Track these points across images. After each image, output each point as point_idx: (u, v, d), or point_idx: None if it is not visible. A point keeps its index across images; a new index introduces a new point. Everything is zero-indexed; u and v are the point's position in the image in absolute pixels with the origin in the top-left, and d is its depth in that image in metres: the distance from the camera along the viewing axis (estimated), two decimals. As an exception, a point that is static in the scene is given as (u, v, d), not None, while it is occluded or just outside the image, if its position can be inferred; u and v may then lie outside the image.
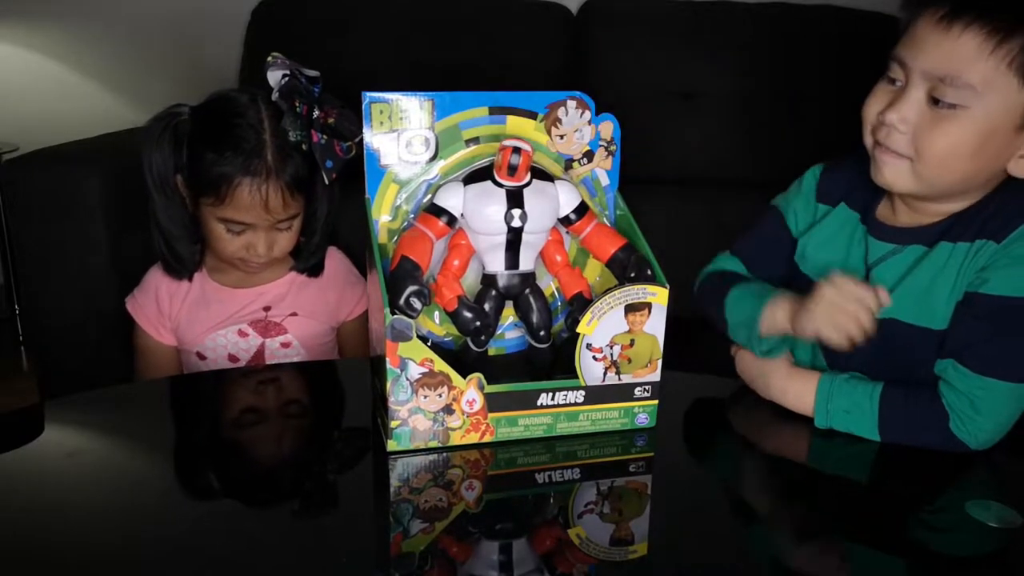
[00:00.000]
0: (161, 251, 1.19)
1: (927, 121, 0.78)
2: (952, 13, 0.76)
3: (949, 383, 0.81)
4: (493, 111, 0.85)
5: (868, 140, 0.84)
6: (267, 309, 1.21)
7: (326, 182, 1.11)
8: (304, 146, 1.10)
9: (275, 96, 1.09)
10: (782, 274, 0.98)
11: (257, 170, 1.10)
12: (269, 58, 1.10)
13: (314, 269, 1.23)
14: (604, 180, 0.90)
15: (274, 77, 1.09)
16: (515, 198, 0.81)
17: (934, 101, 0.78)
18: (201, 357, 1.22)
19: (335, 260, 1.27)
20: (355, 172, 0.85)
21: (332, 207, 1.20)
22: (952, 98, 0.76)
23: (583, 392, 0.83)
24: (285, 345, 1.21)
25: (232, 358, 1.21)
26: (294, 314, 1.21)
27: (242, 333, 1.20)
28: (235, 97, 1.14)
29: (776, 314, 0.86)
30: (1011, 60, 0.74)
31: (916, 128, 0.79)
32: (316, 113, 1.10)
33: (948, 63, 0.76)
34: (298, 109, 1.09)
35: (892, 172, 0.83)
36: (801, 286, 0.94)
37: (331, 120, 1.10)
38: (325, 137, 1.10)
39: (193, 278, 1.21)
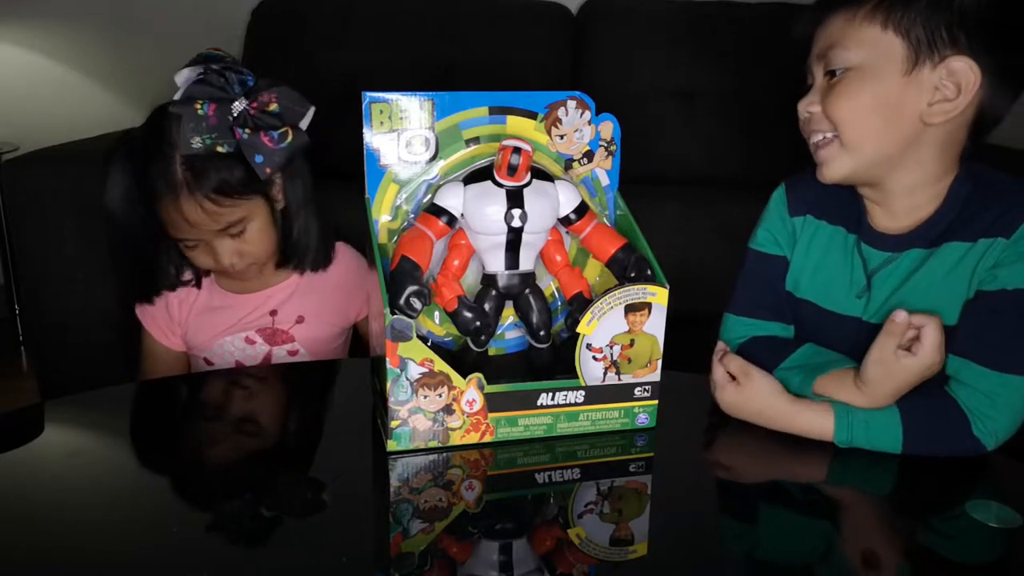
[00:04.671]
0: (132, 287, 1.18)
1: (828, 94, 0.85)
2: (820, 13, 0.87)
3: (963, 382, 0.81)
4: (493, 111, 0.85)
5: (809, 143, 0.90)
6: (273, 314, 1.20)
7: (261, 179, 1.05)
8: (221, 147, 1.03)
9: (172, 108, 1.03)
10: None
11: (171, 187, 1.05)
12: (198, 55, 1.05)
13: (314, 265, 1.20)
14: (604, 180, 0.90)
15: (183, 77, 1.04)
16: (515, 198, 0.81)
17: (830, 77, 0.85)
18: (209, 363, 1.22)
19: (345, 259, 1.24)
20: (355, 172, 0.85)
21: (305, 199, 1.15)
22: (836, 63, 0.84)
23: (583, 392, 0.83)
24: (292, 353, 1.21)
25: (239, 365, 1.20)
26: (301, 319, 1.20)
27: (249, 340, 1.20)
28: (166, 112, 1.06)
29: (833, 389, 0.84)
30: (867, 15, 0.82)
31: (824, 105, 0.85)
32: (241, 107, 1.02)
33: (825, 42, 0.86)
34: (201, 112, 1.01)
35: (829, 162, 0.87)
36: (798, 312, 0.95)
37: (272, 107, 1.03)
38: (248, 131, 1.02)
39: (202, 285, 1.20)
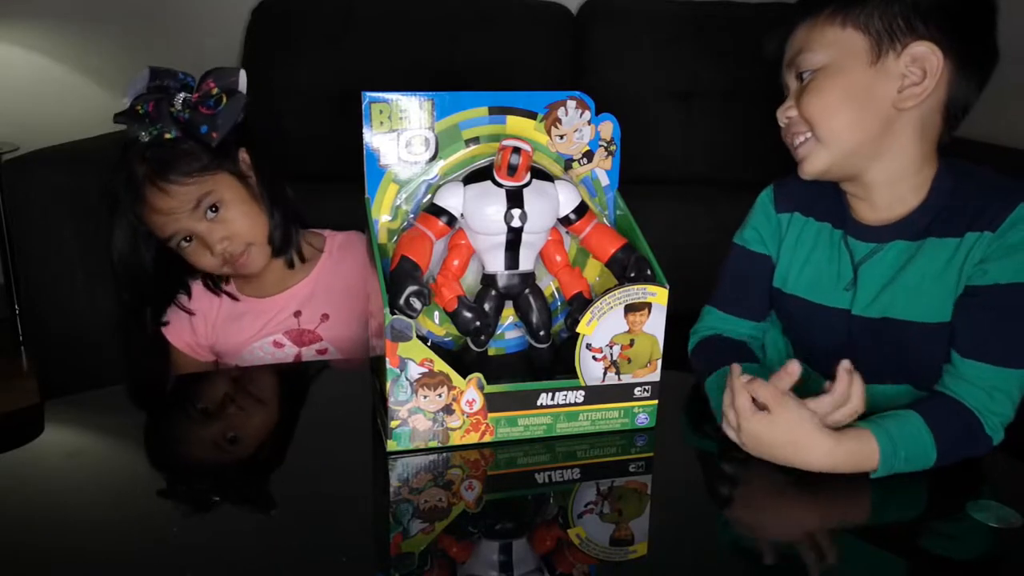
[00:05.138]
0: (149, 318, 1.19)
1: (802, 96, 0.87)
2: (785, 26, 0.90)
3: (964, 379, 0.81)
4: (493, 111, 0.85)
5: (790, 147, 0.91)
6: (298, 315, 1.20)
7: (212, 146, 1.08)
8: (168, 134, 1.08)
9: (115, 120, 1.09)
10: (769, 305, 0.99)
11: (137, 187, 1.09)
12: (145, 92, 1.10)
13: (291, 251, 1.19)
14: (604, 180, 0.90)
15: (129, 95, 1.11)
16: (515, 198, 0.81)
17: (801, 81, 0.88)
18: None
19: (358, 250, 1.23)
20: (355, 172, 0.85)
21: (269, 180, 1.17)
22: (806, 65, 0.87)
23: (583, 392, 0.83)
24: (321, 352, 1.21)
25: None
26: (326, 316, 1.20)
27: (277, 344, 1.20)
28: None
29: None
30: (827, 18, 0.86)
31: (799, 107, 0.87)
32: (182, 97, 1.08)
33: (793, 49, 0.89)
34: (141, 111, 1.08)
35: (808, 158, 0.88)
36: (788, 309, 0.95)
37: (214, 91, 1.08)
38: (188, 111, 1.07)
39: (224, 294, 1.21)
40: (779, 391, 0.78)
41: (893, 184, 0.87)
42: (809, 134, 0.87)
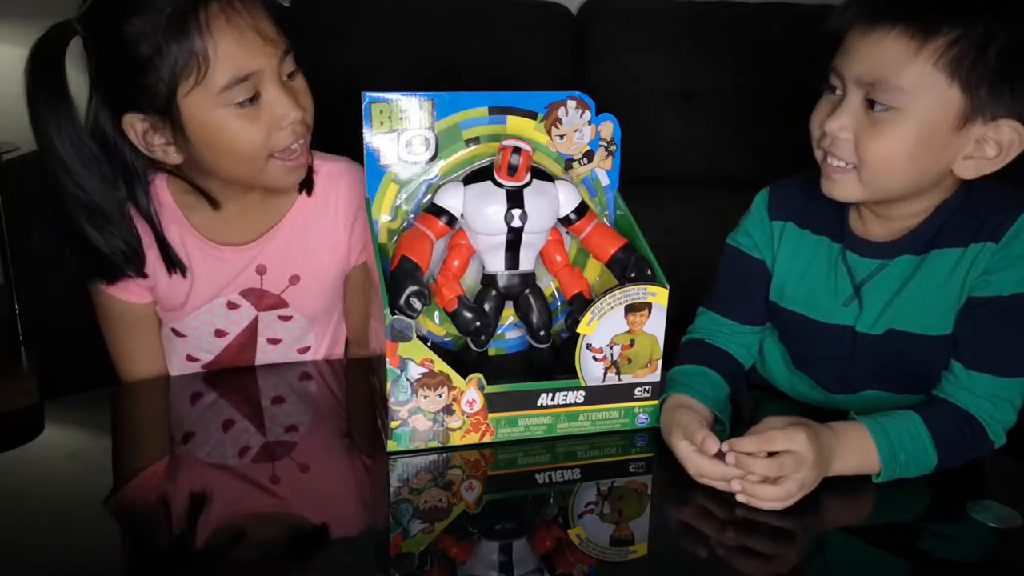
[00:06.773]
0: (97, 257, 0.94)
1: (865, 126, 0.78)
2: (872, 19, 0.77)
3: (967, 389, 0.80)
4: (493, 111, 0.85)
5: (817, 153, 0.84)
6: (261, 271, 0.99)
7: (285, 3, 0.92)
8: None
9: None
10: (765, 309, 0.95)
11: None
12: None
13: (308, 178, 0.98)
14: (604, 180, 0.90)
15: None
16: (515, 198, 0.81)
17: (870, 105, 0.78)
18: (179, 334, 1.02)
19: (347, 180, 1.01)
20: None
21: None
22: (886, 101, 0.76)
23: (583, 392, 0.83)
24: (285, 319, 1.02)
25: (219, 333, 1.01)
26: (296, 279, 1.00)
27: (232, 304, 1.00)
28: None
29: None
30: (936, 59, 0.74)
31: (856, 134, 0.79)
32: None
33: (876, 68, 0.76)
34: None
35: (840, 185, 0.82)
36: (787, 323, 0.93)
37: None
38: None
39: (173, 241, 0.96)
40: (773, 432, 0.74)
41: (914, 213, 0.85)
42: (852, 164, 0.80)
